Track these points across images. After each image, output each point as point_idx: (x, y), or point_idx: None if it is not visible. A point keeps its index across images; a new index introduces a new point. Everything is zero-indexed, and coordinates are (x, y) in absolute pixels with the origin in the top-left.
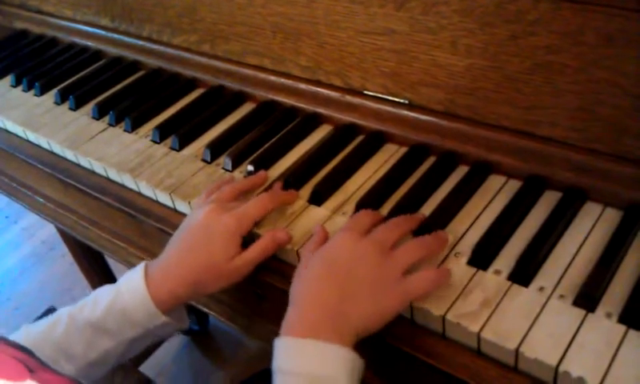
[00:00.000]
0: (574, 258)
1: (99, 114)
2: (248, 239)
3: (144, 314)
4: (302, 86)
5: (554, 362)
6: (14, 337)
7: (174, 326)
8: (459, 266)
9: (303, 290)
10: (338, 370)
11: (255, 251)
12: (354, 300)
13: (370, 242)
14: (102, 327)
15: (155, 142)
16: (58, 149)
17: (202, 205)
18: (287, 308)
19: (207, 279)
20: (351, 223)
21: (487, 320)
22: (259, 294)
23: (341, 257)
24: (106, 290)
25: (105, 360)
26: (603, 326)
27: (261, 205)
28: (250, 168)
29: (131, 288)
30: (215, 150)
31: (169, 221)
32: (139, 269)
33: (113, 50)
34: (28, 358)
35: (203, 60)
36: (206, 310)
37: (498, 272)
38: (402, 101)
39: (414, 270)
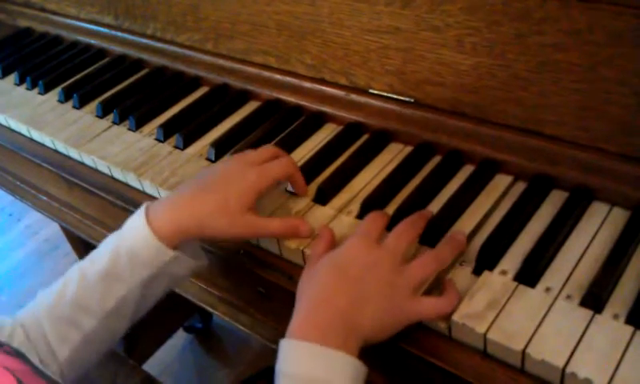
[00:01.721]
0: (580, 259)
1: (103, 112)
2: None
3: (150, 251)
4: (307, 84)
5: (560, 363)
6: (31, 306)
7: (189, 263)
8: (465, 267)
9: (312, 293)
10: (341, 377)
11: (276, 223)
12: (363, 308)
13: (383, 252)
14: (112, 274)
15: (159, 141)
16: (61, 147)
17: (224, 160)
18: (294, 309)
19: (216, 220)
20: (364, 229)
21: (493, 321)
22: (263, 293)
23: (353, 263)
24: (110, 239)
25: (123, 308)
26: (610, 327)
27: (284, 166)
28: None
29: (133, 228)
30: (220, 148)
31: None
32: (141, 209)
33: (117, 48)
34: (19, 366)
35: (207, 58)
36: (209, 308)
37: (504, 272)
38: (407, 99)
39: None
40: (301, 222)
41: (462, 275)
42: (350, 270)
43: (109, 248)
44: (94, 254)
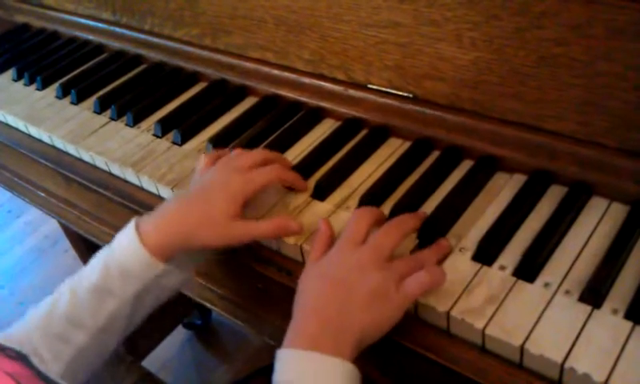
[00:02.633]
0: (579, 254)
1: (101, 108)
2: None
3: (140, 265)
4: (305, 79)
5: (559, 358)
6: (22, 323)
7: (178, 275)
8: (464, 262)
9: (302, 303)
10: (333, 381)
11: (263, 225)
12: (352, 312)
13: (366, 251)
14: (103, 289)
15: (157, 137)
16: (59, 143)
17: (208, 170)
18: (292, 318)
19: (204, 231)
20: (348, 231)
21: (492, 316)
22: (261, 289)
23: (337, 268)
24: (100, 253)
25: (114, 323)
26: (609, 322)
27: (269, 174)
28: None
29: (123, 243)
30: (217, 144)
31: None
32: (130, 223)
33: (114, 44)
34: (21, 370)
35: (205, 53)
36: (208, 304)
37: (502, 268)
38: (406, 94)
39: None
40: (288, 219)
41: (460, 261)
42: (336, 275)
43: (99, 263)
44: (84, 270)
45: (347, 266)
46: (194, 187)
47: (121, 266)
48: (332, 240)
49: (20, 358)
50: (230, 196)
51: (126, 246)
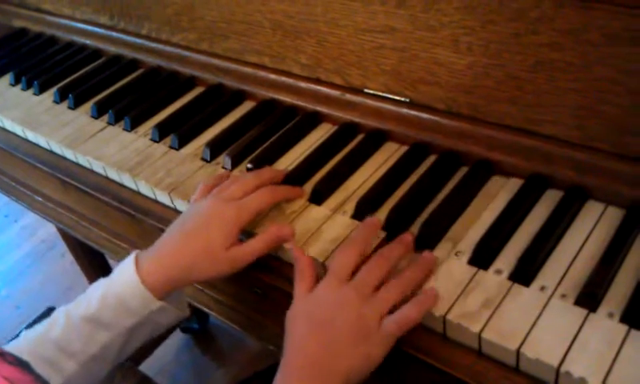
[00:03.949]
0: (575, 258)
1: (98, 112)
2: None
3: (137, 300)
4: (302, 84)
5: (555, 362)
6: (14, 344)
7: (173, 313)
8: (460, 266)
9: (288, 341)
10: None
11: (256, 244)
12: (336, 351)
13: (350, 289)
14: (98, 320)
15: (154, 141)
16: (56, 148)
17: (202, 199)
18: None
19: (202, 265)
20: (334, 267)
21: (488, 320)
22: (259, 294)
23: (322, 306)
24: (99, 284)
25: (105, 354)
26: (605, 326)
27: (261, 198)
28: (250, 167)
29: (123, 276)
30: (215, 148)
31: (168, 220)
32: (130, 257)
33: (112, 49)
34: (21, 376)
35: (202, 58)
36: (205, 309)
37: (498, 272)
38: (402, 99)
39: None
40: (278, 227)
41: (456, 266)
42: (319, 314)
43: (97, 293)
44: (81, 298)
45: (330, 305)
46: (189, 218)
47: (118, 299)
48: (314, 273)
49: (19, 363)
50: (225, 227)
51: (124, 280)
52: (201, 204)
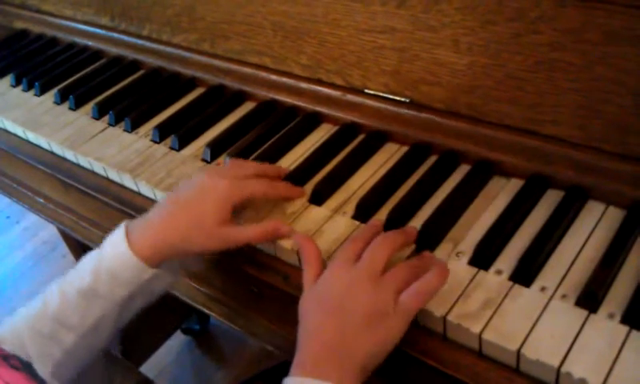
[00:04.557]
0: (576, 258)
1: (99, 113)
2: None
3: (130, 270)
4: (303, 84)
5: (556, 363)
6: (11, 321)
7: (166, 279)
8: (460, 266)
9: (303, 329)
10: None
11: (252, 230)
12: (352, 336)
13: (359, 271)
14: (92, 292)
15: (155, 142)
16: (57, 149)
17: (202, 171)
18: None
19: (193, 237)
20: (340, 252)
21: (488, 321)
22: (258, 294)
23: (333, 292)
24: (90, 257)
25: (102, 325)
26: (606, 327)
27: (256, 185)
28: None
29: (113, 247)
30: (215, 149)
31: None
32: (120, 227)
33: (113, 50)
34: (25, 381)
35: (203, 59)
36: (205, 310)
37: (499, 272)
38: (403, 99)
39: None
40: (278, 223)
41: (457, 266)
42: (331, 299)
43: (89, 266)
44: (73, 272)
45: (342, 288)
46: (183, 190)
47: (110, 270)
48: (320, 260)
49: (24, 367)
50: (218, 202)
51: (115, 252)
52: (196, 177)
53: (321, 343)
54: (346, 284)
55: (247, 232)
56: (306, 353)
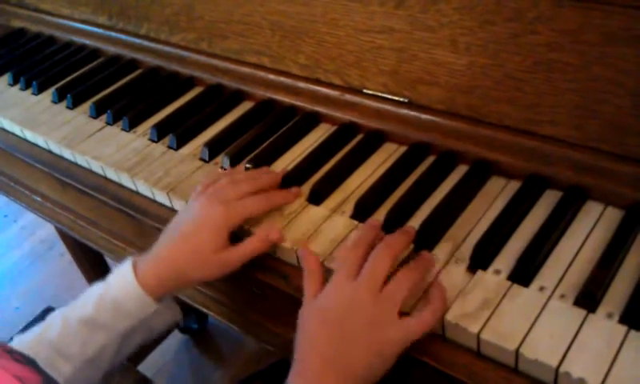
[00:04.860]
0: (574, 258)
1: (97, 112)
2: (239, 235)
3: (134, 301)
4: (301, 84)
5: (554, 362)
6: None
7: (167, 316)
8: (459, 266)
9: (301, 342)
10: None
11: (245, 248)
12: (350, 350)
13: (360, 286)
14: (95, 322)
15: (153, 141)
16: (55, 148)
17: (198, 197)
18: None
19: (193, 268)
20: (341, 264)
21: (487, 321)
22: (257, 293)
23: (333, 306)
24: (96, 287)
25: (101, 357)
26: (604, 327)
27: (256, 205)
28: (248, 167)
29: (120, 278)
30: (213, 148)
31: (166, 220)
32: (127, 260)
33: (110, 49)
34: (31, 375)
35: (201, 58)
36: (204, 309)
37: (497, 272)
38: (401, 99)
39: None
40: (267, 231)
41: (455, 272)
42: (334, 314)
43: (94, 296)
44: (77, 301)
45: (344, 303)
46: (183, 220)
47: (114, 300)
48: (321, 271)
49: (28, 362)
50: (214, 230)
51: (121, 283)
52: (194, 204)
53: (320, 357)
54: (347, 298)
55: (241, 251)
56: (305, 364)
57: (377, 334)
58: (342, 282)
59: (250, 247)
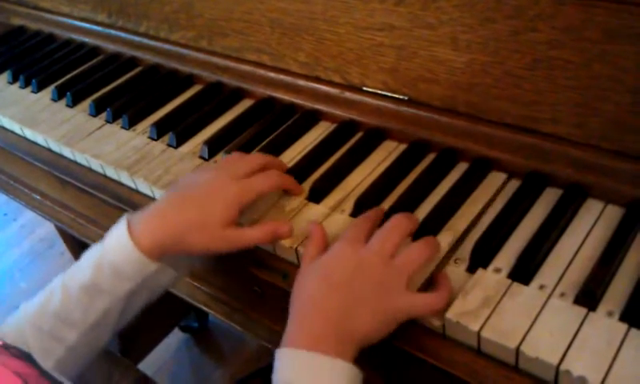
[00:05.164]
0: (575, 256)
1: (96, 110)
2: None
3: (132, 263)
4: (301, 82)
5: (555, 360)
6: (14, 317)
7: (171, 274)
8: (459, 264)
9: (302, 301)
10: (334, 382)
11: (254, 232)
12: (354, 312)
13: (369, 252)
14: (95, 288)
15: (153, 139)
16: (55, 146)
17: (208, 168)
18: (288, 317)
19: (195, 236)
20: (350, 232)
21: (487, 319)
22: (257, 292)
23: (339, 268)
24: (92, 251)
25: (105, 321)
26: (604, 325)
27: (268, 181)
28: None
29: (115, 241)
30: (213, 146)
31: None
32: (122, 221)
33: (110, 47)
34: (27, 370)
35: (201, 56)
36: (204, 308)
37: (498, 270)
38: (401, 97)
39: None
40: (279, 224)
41: (455, 273)
42: (337, 275)
43: (91, 261)
44: (76, 267)
45: (349, 267)
46: (190, 186)
47: (113, 265)
48: (325, 241)
49: (24, 356)
50: (226, 205)
51: (118, 246)
52: (204, 173)
53: (324, 319)
54: (356, 261)
55: (251, 234)
56: (303, 325)
57: (385, 298)
58: (347, 247)
59: (256, 234)
